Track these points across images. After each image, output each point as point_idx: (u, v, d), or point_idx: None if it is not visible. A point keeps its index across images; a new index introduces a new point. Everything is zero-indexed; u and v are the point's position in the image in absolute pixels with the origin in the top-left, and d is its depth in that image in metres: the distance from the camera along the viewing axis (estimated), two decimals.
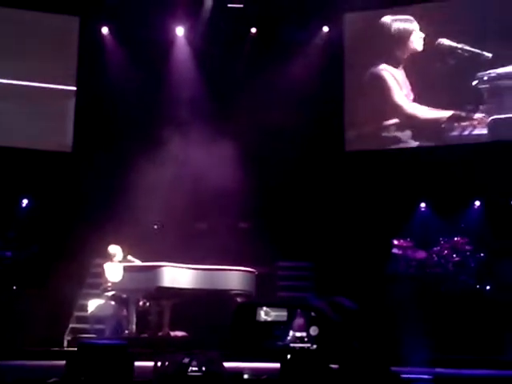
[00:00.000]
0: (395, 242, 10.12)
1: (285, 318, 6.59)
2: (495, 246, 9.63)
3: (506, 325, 8.05)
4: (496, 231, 9.83)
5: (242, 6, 11.21)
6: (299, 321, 6.85)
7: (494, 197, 10.33)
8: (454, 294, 9.33)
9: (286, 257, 10.55)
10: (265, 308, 6.84)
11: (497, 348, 7.83)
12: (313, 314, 6.52)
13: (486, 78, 10.64)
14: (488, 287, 9.41)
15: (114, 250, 8.92)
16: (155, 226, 10.34)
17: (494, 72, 10.58)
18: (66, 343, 8.63)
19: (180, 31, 11.42)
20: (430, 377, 6.16)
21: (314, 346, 6.28)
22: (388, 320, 8.12)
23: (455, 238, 9.88)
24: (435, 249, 9.92)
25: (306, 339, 6.39)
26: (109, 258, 8.91)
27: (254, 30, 11.51)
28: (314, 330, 6.33)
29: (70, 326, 8.97)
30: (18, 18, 10.88)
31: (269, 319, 6.71)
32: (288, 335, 6.59)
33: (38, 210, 10.45)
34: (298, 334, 6.57)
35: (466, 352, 7.84)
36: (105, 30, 11.40)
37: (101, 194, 10.33)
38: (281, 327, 6.43)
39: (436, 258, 9.86)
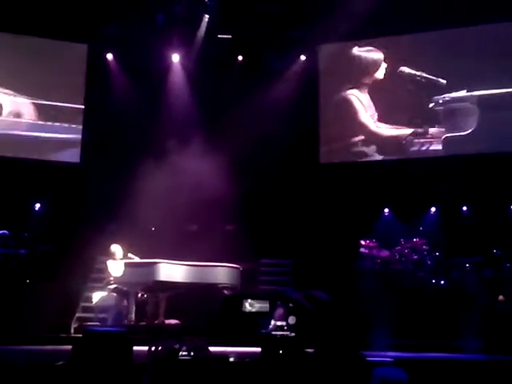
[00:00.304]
0: (362, 243, 10.12)
1: (267, 309, 6.54)
2: (448, 247, 9.67)
3: (458, 314, 8.04)
4: (449, 234, 9.88)
5: (230, 36, 11.24)
6: (279, 311, 6.79)
7: (447, 204, 10.38)
8: (413, 288, 9.33)
9: (268, 255, 10.52)
10: (250, 300, 6.77)
11: (450, 334, 7.81)
12: (291, 305, 6.48)
13: (441, 101, 10.71)
14: (442, 282, 9.43)
15: (116, 248, 8.86)
16: (153, 228, 10.28)
17: (448, 96, 10.65)
18: (72, 330, 8.51)
19: (176, 58, 11.40)
20: (391, 360, 6.13)
21: (292, 334, 6.24)
22: (357, 310, 8.11)
23: (414, 240, 9.89)
24: (397, 248, 9.92)
25: (285, 328, 6.34)
26: (111, 255, 8.83)
27: (240, 57, 11.52)
28: (292, 319, 6.30)
29: (77, 315, 8.86)
30: (35, 44, 10.79)
31: (253, 310, 6.64)
32: (270, 324, 6.55)
33: (49, 213, 10.36)
34: (279, 323, 6.52)
35: (424, 338, 7.83)
36: (109, 56, 11.35)
37: (104, 200, 10.26)
38: (264, 317, 6.39)
39: (398, 257, 9.85)
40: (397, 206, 10.53)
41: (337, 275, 9.36)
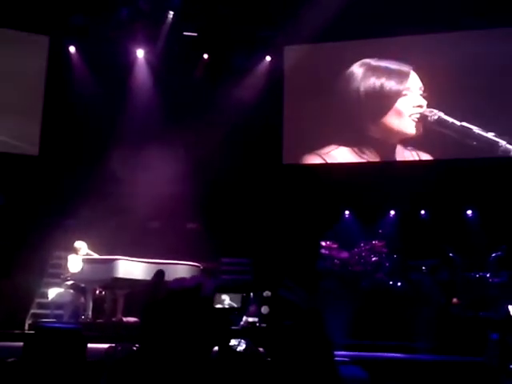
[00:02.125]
0: (323, 244, 10.20)
1: (239, 305, 6.38)
2: (406, 249, 9.83)
3: (414, 316, 8.17)
4: (407, 236, 10.04)
5: (195, 34, 11.16)
6: (253, 307, 6.61)
7: (406, 208, 10.55)
8: (371, 288, 9.46)
9: (229, 254, 10.48)
10: (221, 294, 6.54)
11: (405, 335, 7.93)
12: (265, 294, 6.23)
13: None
14: (399, 284, 9.57)
15: (80, 244, 8.65)
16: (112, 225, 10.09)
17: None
18: (27, 327, 8.27)
19: (140, 53, 11.25)
20: (347, 359, 6.17)
21: (263, 325, 6.11)
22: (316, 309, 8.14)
23: (373, 242, 10.03)
24: (356, 250, 10.04)
25: (257, 324, 6.16)
26: (74, 251, 8.61)
27: (206, 55, 11.45)
28: (265, 309, 6.19)
29: (32, 311, 8.62)
30: None
31: (225, 306, 6.46)
32: (241, 320, 6.39)
33: (4, 207, 10.04)
34: (251, 320, 6.37)
35: (380, 338, 7.93)
36: (72, 49, 11.12)
37: (63, 195, 10.06)
38: (235, 313, 6.21)
39: (357, 258, 9.97)
40: (357, 209, 10.64)
41: (297, 275, 9.37)
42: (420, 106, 10.71)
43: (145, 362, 1.74)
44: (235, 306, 6.05)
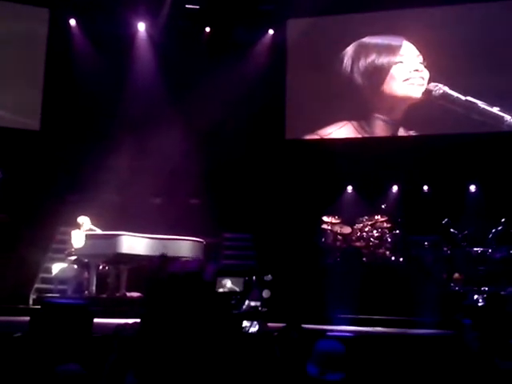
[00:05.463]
0: (325, 219, 10.23)
1: (241, 288, 6.35)
2: (408, 225, 9.84)
3: (416, 291, 8.20)
4: (409, 212, 10.04)
5: (198, 7, 11.01)
6: (255, 291, 6.61)
7: (409, 183, 10.53)
8: (373, 263, 9.51)
9: (232, 229, 10.49)
10: (222, 278, 6.48)
11: (407, 310, 7.97)
12: (267, 277, 6.27)
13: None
14: (401, 259, 9.61)
15: (83, 219, 8.65)
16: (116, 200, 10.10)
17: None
18: (31, 301, 8.34)
19: (141, 26, 11.12)
20: (351, 334, 6.22)
21: (264, 309, 6.12)
22: (318, 283, 8.20)
23: (376, 217, 10.06)
24: (359, 225, 10.08)
25: (260, 308, 6.18)
26: (77, 226, 8.63)
27: (208, 29, 11.31)
28: (266, 293, 6.20)
29: (36, 286, 8.68)
30: None
31: (226, 290, 6.40)
32: (244, 304, 6.39)
33: (8, 182, 10.04)
34: (253, 304, 6.36)
35: (382, 313, 7.95)
36: (73, 22, 10.99)
37: (67, 170, 10.06)
38: (237, 297, 6.19)
39: (359, 233, 10.01)
40: (360, 185, 10.62)
41: (299, 250, 9.43)
42: (417, 70, 10.62)
43: (147, 343, 1.75)
44: (237, 290, 6.01)
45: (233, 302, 5.81)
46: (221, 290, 6.06)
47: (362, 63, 10.97)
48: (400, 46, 10.80)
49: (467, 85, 10.28)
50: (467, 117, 10.27)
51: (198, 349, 1.83)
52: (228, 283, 6.16)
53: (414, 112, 10.69)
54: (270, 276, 5.92)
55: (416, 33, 10.69)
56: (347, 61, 11.07)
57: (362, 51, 11.00)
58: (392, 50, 10.84)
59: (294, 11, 10.74)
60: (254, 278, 6.22)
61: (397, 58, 10.81)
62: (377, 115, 10.91)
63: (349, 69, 11.05)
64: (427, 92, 10.58)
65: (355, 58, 11.02)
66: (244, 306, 6.03)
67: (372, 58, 10.92)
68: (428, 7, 10.49)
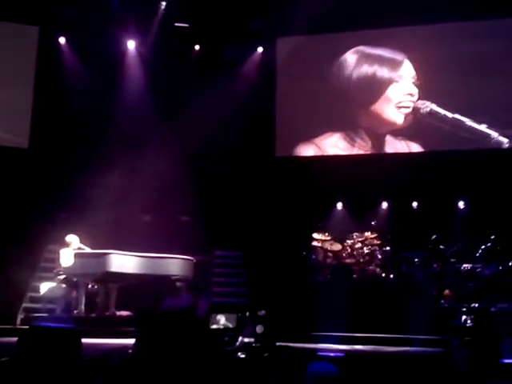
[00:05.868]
0: (315, 236, 10.23)
1: (234, 325, 6.29)
2: (398, 241, 9.86)
3: (406, 307, 8.19)
4: (399, 229, 10.06)
5: (187, 25, 11.07)
6: (249, 327, 6.56)
7: (398, 200, 10.57)
8: (363, 280, 9.50)
9: (222, 246, 10.45)
10: (216, 314, 6.42)
11: (398, 327, 7.95)
12: (260, 313, 6.25)
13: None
14: (391, 276, 9.61)
15: (72, 238, 8.58)
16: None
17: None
18: (19, 321, 8.24)
19: (131, 44, 11.15)
20: (343, 354, 6.19)
21: (258, 344, 6.06)
22: (309, 301, 8.17)
23: (366, 234, 10.07)
24: (349, 242, 10.08)
25: (253, 344, 6.13)
26: (66, 245, 8.56)
27: (197, 47, 11.36)
28: (259, 329, 6.16)
29: (24, 305, 8.58)
30: None
31: (220, 326, 6.34)
32: (237, 341, 6.32)
33: None
34: (247, 340, 6.31)
35: (372, 331, 7.93)
36: (62, 40, 11.00)
37: (55, 188, 10.00)
38: (230, 333, 6.14)
39: (349, 250, 10.02)
40: (350, 202, 10.65)
41: (290, 268, 9.40)
42: (411, 95, 10.69)
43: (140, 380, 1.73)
44: (230, 326, 5.96)
45: (226, 338, 5.79)
46: (214, 326, 6.02)
47: (363, 71, 10.99)
48: (402, 62, 10.81)
49: (455, 102, 10.39)
50: (455, 134, 10.35)
51: None
52: (222, 319, 6.12)
53: (399, 129, 10.76)
54: (263, 311, 5.90)
55: (407, 50, 10.79)
56: (345, 67, 11.05)
57: (364, 59, 11.01)
58: (395, 64, 10.83)
59: (284, 29, 10.83)
60: (247, 313, 6.19)
61: (397, 75, 10.82)
62: (365, 131, 10.97)
63: (347, 75, 11.02)
64: (415, 110, 10.67)
65: (355, 65, 11.03)
66: (237, 343, 5.99)
67: (374, 68, 10.91)
68: (417, 25, 10.59)
